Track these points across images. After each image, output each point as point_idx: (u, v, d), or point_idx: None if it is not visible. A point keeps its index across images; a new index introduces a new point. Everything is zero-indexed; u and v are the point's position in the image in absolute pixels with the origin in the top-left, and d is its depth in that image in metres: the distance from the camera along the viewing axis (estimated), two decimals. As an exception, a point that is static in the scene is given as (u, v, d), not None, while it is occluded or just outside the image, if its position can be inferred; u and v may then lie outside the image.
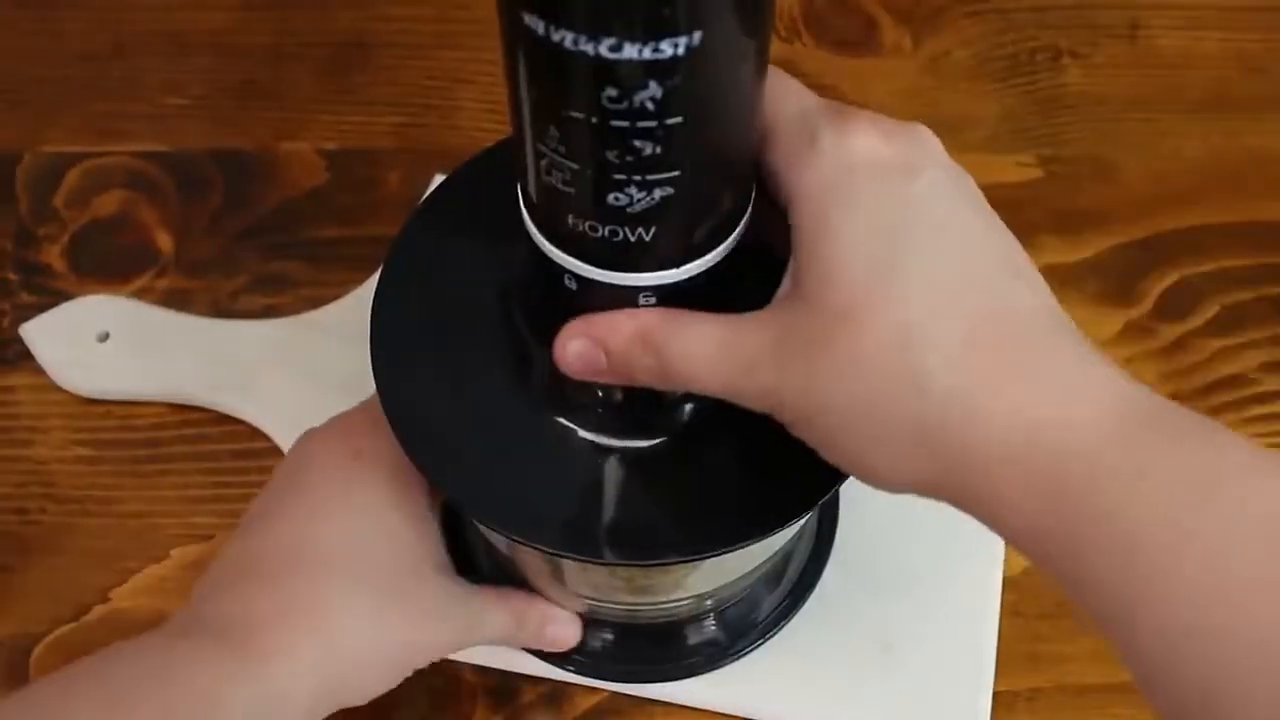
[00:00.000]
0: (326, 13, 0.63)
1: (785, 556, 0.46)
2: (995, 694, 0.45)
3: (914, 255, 0.28)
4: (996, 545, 0.47)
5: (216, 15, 0.62)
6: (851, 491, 0.48)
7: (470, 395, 0.35)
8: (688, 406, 0.35)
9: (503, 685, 0.46)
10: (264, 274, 0.55)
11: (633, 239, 0.29)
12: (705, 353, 0.30)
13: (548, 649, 0.44)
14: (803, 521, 0.37)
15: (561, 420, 0.35)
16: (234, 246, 0.56)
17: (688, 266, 0.30)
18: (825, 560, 0.47)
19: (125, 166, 0.58)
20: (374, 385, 0.41)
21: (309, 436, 0.41)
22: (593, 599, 0.42)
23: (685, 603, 0.43)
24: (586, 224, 0.29)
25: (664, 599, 0.42)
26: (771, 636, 0.46)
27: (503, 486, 0.34)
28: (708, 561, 0.38)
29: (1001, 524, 0.28)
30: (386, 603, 0.38)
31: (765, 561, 0.42)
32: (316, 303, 0.53)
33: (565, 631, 0.44)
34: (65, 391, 0.51)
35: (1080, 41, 0.63)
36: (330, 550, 0.38)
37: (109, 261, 0.55)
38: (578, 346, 0.31)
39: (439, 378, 0.35)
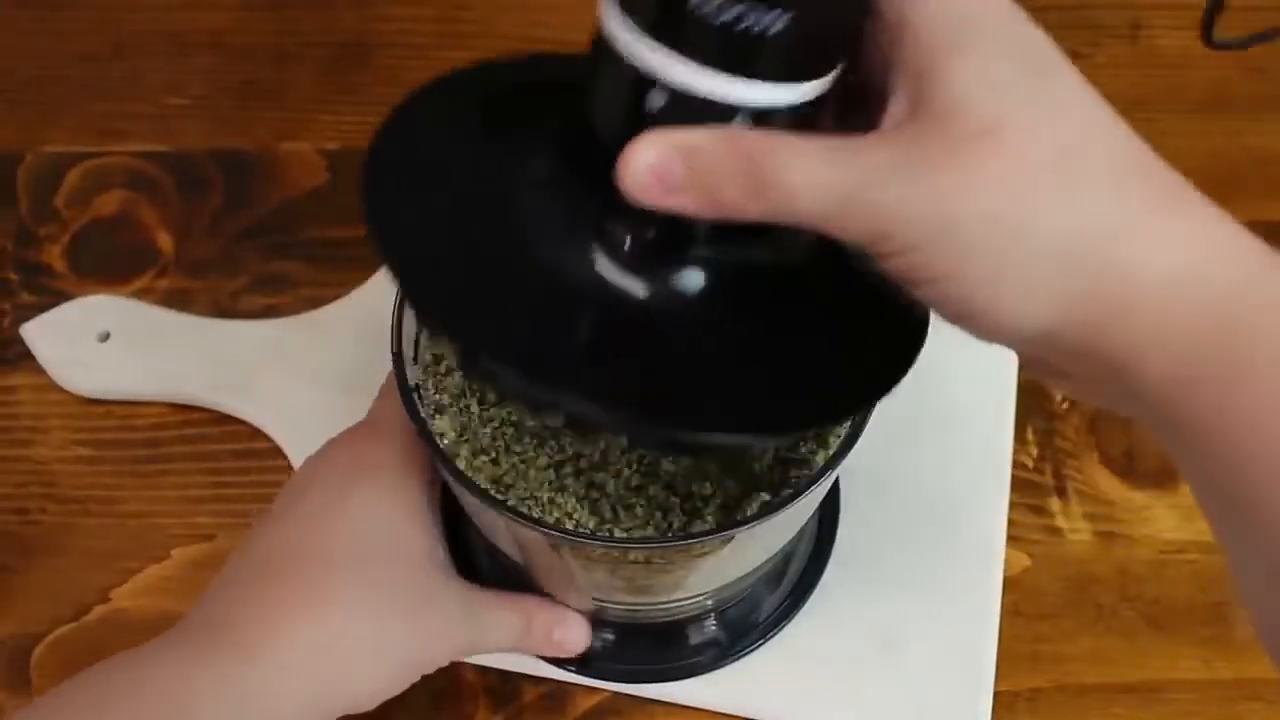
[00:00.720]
0: (327, 13, 0.63)
1: (785, 557, 0.46)
2: (995, 694, 0.45)
3: (1059, 77, 0.27)
4: (997, 545, 0.47)
5: (216, 15, 0.62)
6: (852, 491, 0.48)
7: (474, 228, 0.31)
8: (718, 264, 0.30)
9: (503, 685, 0.46)
10: (264, 274, 0.55)
11: (760, 27, 0.25)
12: (812, 165, 0.26)
13: (556, 654, 0.44)
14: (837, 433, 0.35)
15: (580, 255, 0.30)
16: (234, 246, 0.56)
17: (806, 86, 0.27)
18: (825, 560, 0.47)
19: (125, 166, 0.58)
20: (375, 386, 0.41)
21: (312, 456, 0.41)
22: (593, 599, 0.42)
23: (685, 603, 0.42)
24: (715, 4, 0.25)
25: (664, 599, 0.42)
26: (772, 637, 0.46)
27: (506, 331, 0.29)
28: (707, 562, 0.38)
29: (1137, 371, 0.27)
30: (388, 602, 0.38)
31: (766, 562, 0.42)
32: (316, 303, 0.53)
33: (574, 635, 0.43)
34: (65, 391, 0.51)
35: (1081, 41, 0.63)
36: (328, 550, 0.38)
37: (109, 261, 0.55)
38: (652, 153, 0.27)
39: (436, 201, 0.31)
